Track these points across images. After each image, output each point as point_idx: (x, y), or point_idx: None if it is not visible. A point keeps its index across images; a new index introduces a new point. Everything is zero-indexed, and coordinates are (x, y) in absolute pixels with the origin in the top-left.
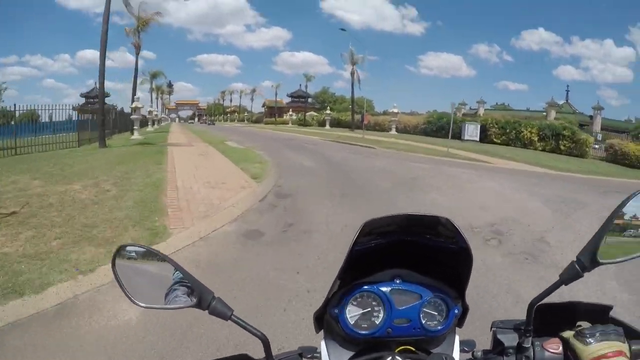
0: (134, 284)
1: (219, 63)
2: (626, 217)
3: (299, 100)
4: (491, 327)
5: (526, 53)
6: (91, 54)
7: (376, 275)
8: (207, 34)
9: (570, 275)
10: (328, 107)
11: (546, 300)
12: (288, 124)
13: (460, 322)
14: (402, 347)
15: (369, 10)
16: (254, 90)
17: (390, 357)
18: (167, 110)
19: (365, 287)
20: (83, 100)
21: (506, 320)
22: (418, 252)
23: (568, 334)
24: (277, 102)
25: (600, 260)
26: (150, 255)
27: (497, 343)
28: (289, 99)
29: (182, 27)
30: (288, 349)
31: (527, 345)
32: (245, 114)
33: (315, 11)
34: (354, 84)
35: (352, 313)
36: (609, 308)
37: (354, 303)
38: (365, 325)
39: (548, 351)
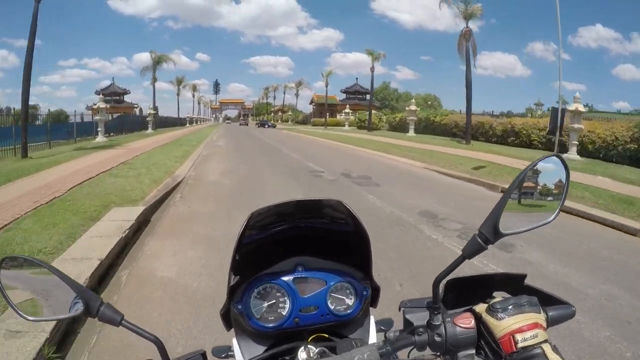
0: (20, 296)
1: (271, 64)
2: (531, 183)
3: (355, 96)
4: (399, 307)
5: (584, 51)
6: (146, 57)
7: (278, 265)
8: (260, 36)
9: (473, 249)
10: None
11: (457, 274)
12: (344, 125)
13: (373, 302)
14: (315, 335)
15: (421, 10)
16: (299, 84)
17: (302, 347)
18: (210, 109)
19: (267, 278)
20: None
21: (415, 299)
22: (319, 237)
23: (481, 308)
24: (329, 97)
25: (503, 232)
26: (35, 265)
27: (407, 323)
28: (343, 96)
29: (236, 30)
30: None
31: (437, 323)
32: (290, 114)
33: (366, 11)
34: (468, 54)
35: (257, 307)
36: (523, 276)
37: (258, 296)
38: (272, 318)
39: (459, 326)
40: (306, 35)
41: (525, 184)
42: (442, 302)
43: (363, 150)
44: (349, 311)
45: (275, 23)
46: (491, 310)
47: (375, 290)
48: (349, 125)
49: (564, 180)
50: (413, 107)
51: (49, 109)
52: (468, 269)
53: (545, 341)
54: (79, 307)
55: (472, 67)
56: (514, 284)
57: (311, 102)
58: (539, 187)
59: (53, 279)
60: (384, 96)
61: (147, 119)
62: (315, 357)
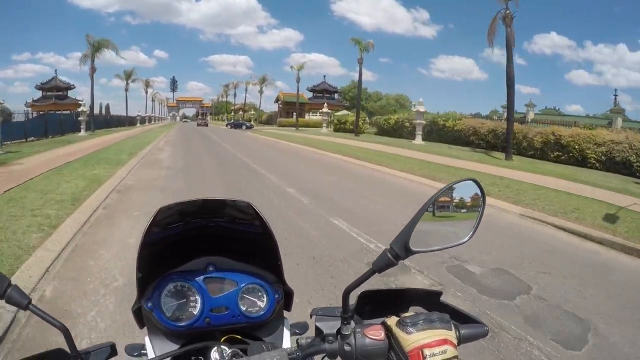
0: None
1: (230, 63)
2: (446, 205)
3: (323, 95)
4: (311, 315)
5: (538, 57)
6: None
7: (190, 264)
8: (219, 34)
9: (383, 263)
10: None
11: (373, 286)
12: (320, 127)
13: (287, 306)
14: (228, 335)
15: (381, 13)
16: (263, 80)
17: (215, 347)
18: (167, 108)
19: (178, 276)
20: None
21: (327, 307)
22: (231, 238)
23: (392, 321)
24: (298, 95)
25: (413, 249)
26: None
27: (318, 331)
28: (310, 95)
29: (195, 28)
30: None
31: (346, 332)
32: (252, 113)
33: (326, 13)
34: (510, 42)
35: (167, 305)
36: (439, 293)
37: (168, 294)
38: (183, 317)
39: (369, 338)
40: (266, 35)
41: (441, 199)
42: (357, 313)
43: (391, 172)
44: (260, 313)
45: (235, 22)
46: (401, 324)
47: (289, 294)
48: (328, 127)
49: (479, 202)
50: (422, 108)
51: None
52: None
53: (455, 357)
54: None
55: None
56: (430, 300)
57: (277, 101)
58: (454, 202)
59: None
60: (353, 95)
61: (79, 118)
62: (227, 357)
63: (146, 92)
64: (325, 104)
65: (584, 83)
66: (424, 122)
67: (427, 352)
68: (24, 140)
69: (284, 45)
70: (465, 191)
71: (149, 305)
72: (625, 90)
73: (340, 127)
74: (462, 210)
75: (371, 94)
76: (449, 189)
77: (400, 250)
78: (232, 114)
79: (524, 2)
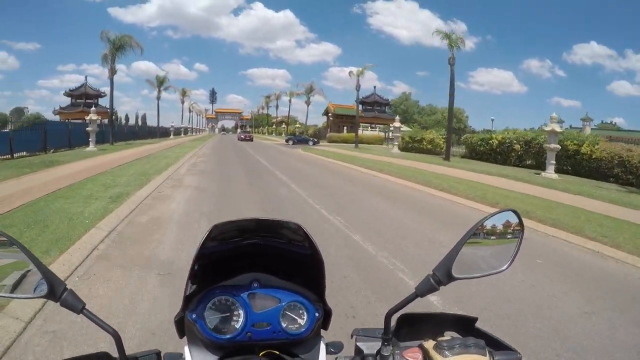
0: None
1: (269, 77)
2: (486, 234)
3: (374, 108)
4: (352, 335)
5: (578, 68)
6: (144, 65)
7: (235, 279)
8: (258, 48)
9: (426, 288)
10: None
11: (412, 310)
12: (384, 144)
13: (324, 324)
14: (266, 350)
15: (418, 26)
16: (310, 90)
17: None
18: (205, 119)
19: (223, 291)
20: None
21: (368, 328)
22: (276, 256)
23: (429, 344)
24: (348, 107)
25: (455, 276)
26: (5, 244)
27: (358, 351)
28: (360, 107)
29: (234, 42)
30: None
31: (386, 354)
32: (297, 126)
33: (363, 27)
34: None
35: (210, 317)
36: (475, 320)
37: (212, 307)
38: (225, 330)
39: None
40: (304, 49)
41: (483, 228)
42: (394, 335)
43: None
44: (301, 330)
45: (273, 36)
46: (438, 347)
47: (327, 313)
48: (399, 147)
49: (519, 233)
50: (557, 128)
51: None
52: None
53: None
54: (43, 290)
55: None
56: (465, 326)
57: (326, 113)
58: (496, 230)
59: (21, 257)
60: (405, 108)
61: (87, 129)
62: None
63: (182, 102)
64: (397, 118)
65: (626, 94)
66: (558, 148)
67: None
68: (9, 156)
69: (322, 59)
70: (506, 220)
71: (193, 316)
72: None
73: (413, 146)
74: (503, 239)
75: (424, 107)
76: (491, 218)
77: (442, 276)
78: (273, 126)
79: (562, 10)
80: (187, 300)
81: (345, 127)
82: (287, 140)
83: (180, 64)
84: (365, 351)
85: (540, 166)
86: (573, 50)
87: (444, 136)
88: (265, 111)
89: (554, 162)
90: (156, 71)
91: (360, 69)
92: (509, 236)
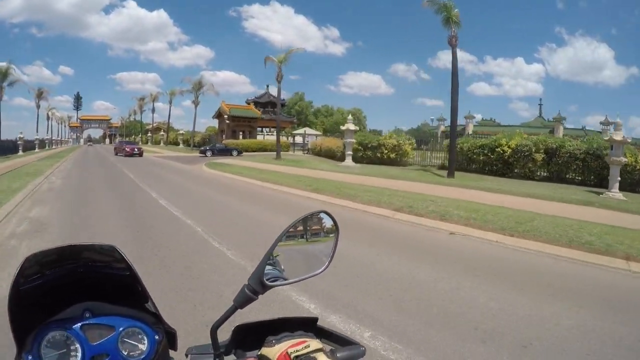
0: None
1: (139, 81)
2: (301, 237)
3: (267, 110)
4: (186, 354)
5: (442, 71)
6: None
7: (65, 312)
8: (128, 50)
9: (243, 299)
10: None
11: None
12: (345, 159)
13: (172, 345)
14: None
15: (292, 31)
16: (199, 86)
17: None
18: (68, 128)
19: (55, 325)
20: None
21: (201, 345)
22: (103, 281)
23: (263, 348)
24: (245, 108)
25: (269, 283)
26: None
27: None
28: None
29: (103, 42)
30: None
31: None
32: (181, 133)
33: (237, 30)
34: None
35: (47, 355)
36: (315, 319)
37: (48, 345)
38: None
39: None
40: (176, 52)
41: (297, 231)
42: (239, 347)
43: None
44: (142, 357)
45: (145, 37)
46: (266, 342)
47: (171, 334)
48: (350, 158)
49: (334, 234)
50: (619, 135)
51: None
52: None
53: (320, 350)
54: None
55: None
56: (308, 326)
57: (218, 115)
58: (310, 234)
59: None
60: (300, 109)
61: None
62: None
63: (38, 107)
64: (350, 119)
65: (484, 94)
66: (623, 162)
67: (291, 350)
68: None
69: (194, 62)
70: (319, 222)
71: (30, 358)
72: (521, 99)
73: (365, 156)
74: (318, 241)
75: (319, 107)
76: (304, 222)
77: (256, 285)
78: (149, 134)
79: (426, 20)
80: (21, 341)
81: (241, 133)
82: (203, 152)
83: (42, 66)
84: None
85: (565, 181)
86: (437, 56)
87: (409, 141)
88: (138, 117)
89: (618, 178)
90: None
91: (283, 55)
92: (323, 238)
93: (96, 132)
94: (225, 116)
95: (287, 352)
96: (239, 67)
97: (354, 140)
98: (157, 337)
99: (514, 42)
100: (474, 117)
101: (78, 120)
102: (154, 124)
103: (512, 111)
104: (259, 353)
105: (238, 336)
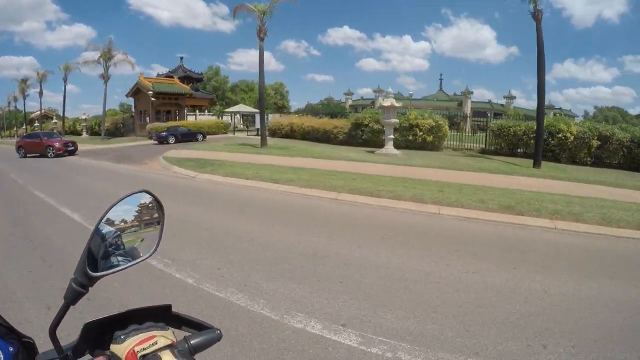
0: None
1: (14, 66)
2: (123, 221)
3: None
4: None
5: (332, 48)
6: None
7: None
8: (1, 32)
9: (73, 295)
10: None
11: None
12: (386, 145)
13: (30, 356)
14: None
15: (180, 7)
16: (109, 54)
17: None
18: None
19: None
20: None
21: (48, 351)
22: None
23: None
24: (168, 82)
25: (94, 274)
26: None
27: None
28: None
29: None
30: None
31: None
32: (84, 118)
33: (121, 7)
34: None
35: None
36: (169, 307)
37: None
38: None
39: None
40: (55, 32)
41: (121, 220)
42: (92, 345)
43: None
44: None
45: (20, 16)
46: (114, 339)
47: (28, 345)
48: (392, 144)
49: (159, 215)
50: None
51: None
52: None
53: (170, 346)
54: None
55: None
56: (162, 315)
57: (134, 93)
58: (133, 218)
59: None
60: (217, 85)
61: None
62: None
63: None
64: (390, 91)
65: (372, 69)
66: None
67: (137, 348)
68: None
69: (74, 42)
70: (140, 203)
71: None
72: (408, 74)
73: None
74: (143, 222)
75: (237, 82)
76: (123, 203)
77: (82, 278)
78: (36, 124)
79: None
80: None
81: (166, 113)
82: (162, 139)
83: None
84: None
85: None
86: (328, 33)
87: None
88: (19, 105)
89: None
90: None
91: (266, 4)
92: (149, 220)
93: None
94: (150, 93)
95: (134, 351)
96: (124, 47)
97: (396, 121)
98: (11, 349)
99: (402, 21)
100: (383, 91)
101: None
102: (42, 111)
103: (399, 85)
104: (110, 351)
105: (90, 334)
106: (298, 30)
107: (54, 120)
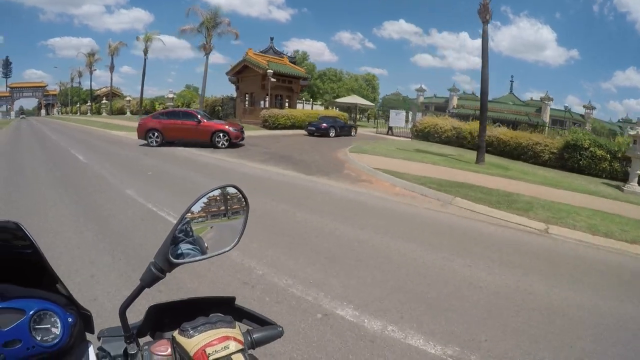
0: None
1: (74, 47)
2: (208, 213)
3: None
4: (98, 337)
5: (387, 41)
6: None
7: None
8: (61, 14)
9: (150, 278)
10: None
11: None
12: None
13: (88, 328)
14: None
15: None
16: (213, 21)
17: None
18: None
19: None
20: None
21: (114, 327)
22: (10, 262)
23: (176, 332)
24: (281, 61)
25: (175, 261)
26: None
27: (104, 354)
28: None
29: (34, 7)
30: None
31: (132, 352)
32: (174, 97)
33: None
34: None
35: None
36: (232, 299)
37: None
38: None
39: (156, 354)
40: (113, 15)
41: (204, 207)
42: (153, 328)
43: None
44: (56, 341)
45: (79, 0)
46: (182, 331)
47: (86, 317)
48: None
49: (243, 209)
50: None
51: None
52: None
53: (239, 352)
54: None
55: None
56: (225, 306)
57: (236, 72)
58: (217, 209)
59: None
60: (307, 71)
61: None
62: None
63: None
64: None
65: (427, 65)
66: None
67: (209, 350)
68: None
69: (132, 27)
70: (227, 197)
71: None
72: (464, 72)
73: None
74: (227, 216)
75: (325, 71)
76: (210, 195)
77: (163, 263)
78: (105, 101)
79: None
80: None
81: (283, 99)
82: (318, 131)
83: None
84: (112, 352)
85: None
86: (383, 26)
87: None
88: (80, 82)
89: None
90: None
91: None
92: (233, 213)
93: (29, 103)
94: (269, 72)
95: (204, 351)
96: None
97: None
98: (70, 320)
99: (459, 17)
100: (458, 90)
101: (7, 89)
102: (107, 88)
103: (457, 84)
104: (173, 335)
105: (152, 317)
106: (354, 22)
107: (127, 98)
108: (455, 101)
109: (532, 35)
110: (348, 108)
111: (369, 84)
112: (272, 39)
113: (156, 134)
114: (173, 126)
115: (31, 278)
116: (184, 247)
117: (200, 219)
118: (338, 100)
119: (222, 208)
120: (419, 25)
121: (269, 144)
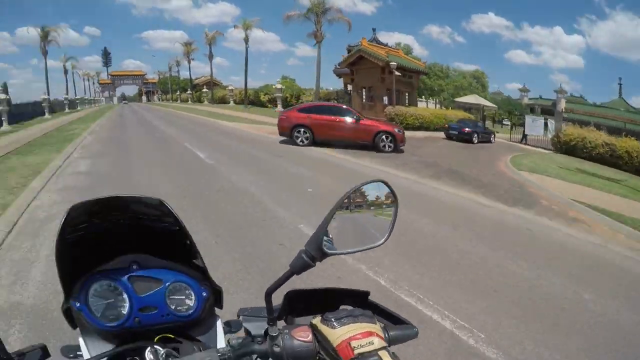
0: None
1: (167, 39)
2: (357, 206)
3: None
4: (238, 315)
5: (477, 36)
6: (33, 31)
7: (113, 262)
8: (152, 8)
9: (300, 265)
10: None
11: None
12: None
13: (218, 303)
14: (162, 335)
15: None
16: (322, 8)
17: (149, 347)
18: (99, 85)
19: (103, 275)
20: None
21: (255, 307)
22: (150, 235)
23: (317, 320)
24: (404, 57)
25: (328, 251)
26: None
27: (247, 331)
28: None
29: (126, 2)
30: None
31: (274, 334)
32: (282, 88)
33: None
34: None
35: (95, 304)
36: (367, 293)
37: (95, 294)
38: (113, 317)
39: (297, 339)
40: (200, 9)
41: (354, 200)
42: (289, 312)
43: None
44: (189, 312)
45: None
46: (325, 320)
47: (218, 292)
48: None
49: (393, 204)
50: None
51: None
52: None
53: (383, 348)
54: None
55: None
56: (358, 299)
57: (350, 64)
58: (367, 203)
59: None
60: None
61: None
62: (161, 358)
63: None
64: None
65: (521, 62)
66: None
67: (354, 344)
68: None
69: (220, 20)
70: (377, 192)
71: (77, 305)
72: (562, 71)
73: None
74: (376, 211)
75: (430, 66)
76: (360, 190)
77: (315, 252)
78: (198, 91)
79: None
80: (68, 288)
81: (402, 95)
82: (459, 136)
83: (69, 27)
84: (253, 332)
85: None
86: (472, 19)
87: None
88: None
89: None
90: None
91: None
92: (382, 208)
93: (130, 90)
94: (393, 64)
95: (349, 344)
96: (266, 24)
97: None
98: (204, 293)
99: (551, 9)
100: (566, 93)
101: (109, 77)
102: (205, 77)
103: (554, 83)
104: (313, 323)
105: (290, 302)
106: (441, 15)
107: (230, 87)
108: (563, 104)
109: (631, 31)
110: (469, 109)
111: (478, 81)
112: (374, 29)
113: (305, 131)
114: (326, 123)
115: (173, 251)
116: (325, 239)
117: (348, 213)
118: (459, 99)
119: (373, 201)
120: (509, 19)
121: (413, 148)
